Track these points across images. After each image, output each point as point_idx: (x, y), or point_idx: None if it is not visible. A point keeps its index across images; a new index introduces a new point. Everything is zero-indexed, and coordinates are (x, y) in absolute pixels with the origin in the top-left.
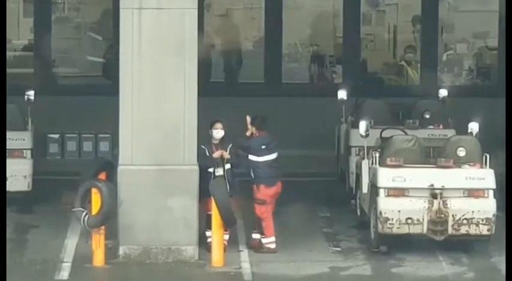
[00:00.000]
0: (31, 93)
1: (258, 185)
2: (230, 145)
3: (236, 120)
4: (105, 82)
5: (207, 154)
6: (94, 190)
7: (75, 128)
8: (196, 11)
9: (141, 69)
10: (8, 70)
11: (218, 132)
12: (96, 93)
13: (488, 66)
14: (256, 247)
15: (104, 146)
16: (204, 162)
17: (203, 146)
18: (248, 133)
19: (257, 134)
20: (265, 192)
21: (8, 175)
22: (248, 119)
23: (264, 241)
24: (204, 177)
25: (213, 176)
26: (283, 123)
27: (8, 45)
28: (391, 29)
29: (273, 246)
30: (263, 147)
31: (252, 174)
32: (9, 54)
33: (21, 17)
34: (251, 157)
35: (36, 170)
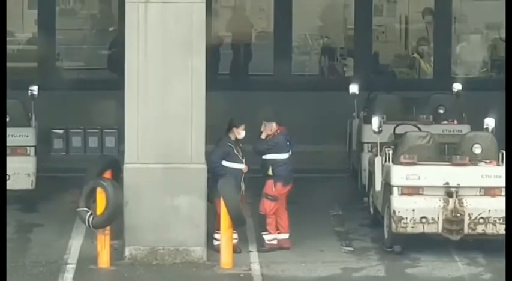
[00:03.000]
0: (35, 89)
1: (276, 182)
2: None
3: (245, 114)
4: (111, 76)
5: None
6: (99, 189)
7: (80, 123)
8: (204, 5)
9: (147, 65)
10: (12, 64)
11: (241, 134)
12: (102, 87)
13: (502, 59)
14: (263, 246)
15: (109, 142)
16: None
17: (230, 144)
18: (263, 136)
19: (279, 131)
20: (281, 190)
21: (11, 172)
22: (273, 125)
23: (266, 237)
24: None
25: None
26: (293, 118)
27: (11, 39)
28: (402, 20)
29: (275, 242)
30: (288, 143)
31: (271, 171)
32: (13, 47)
33: (26, 9)
34: (272, 156)
35: (40, 167)
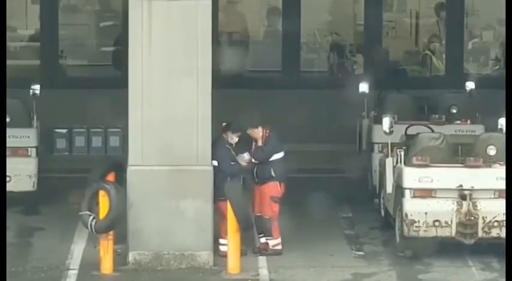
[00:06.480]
0: (37, 87)
1: (280, 182)
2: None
3: (252, 112)
4: (116, 73)
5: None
6: (102, 193)
7: (83, 122)
8: (210, 3)
9: (151, 64)
10: (14, 62)
11: (233, 139)
12: (106, 85)
13: None
14: (265, 250)
15: (113, 141)
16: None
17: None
18: (260, 142)
19: (267, 132)
20: (283, 190)
21: (12, 174)
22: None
23: (272, 242)
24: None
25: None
26: (301, 116)
27: (13, 35)
28: (413, 15)
29: (280, 247)
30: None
31: (273, 173)
32: (15, 44)
33: (30, 4)
34: (277, 156)
35: (42, 168)
